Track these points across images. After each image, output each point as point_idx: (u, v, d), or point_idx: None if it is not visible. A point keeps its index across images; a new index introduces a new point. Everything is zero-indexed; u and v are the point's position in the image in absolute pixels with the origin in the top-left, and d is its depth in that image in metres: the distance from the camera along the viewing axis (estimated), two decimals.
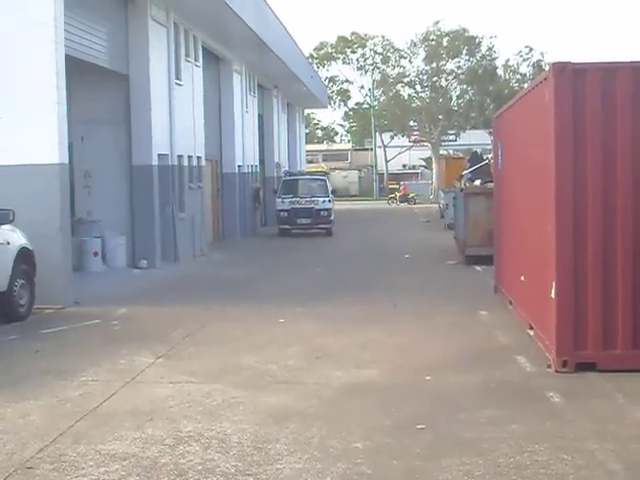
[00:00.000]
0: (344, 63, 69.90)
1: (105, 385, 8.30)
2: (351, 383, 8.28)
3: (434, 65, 63.59)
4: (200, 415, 7.18)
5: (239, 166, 28.83)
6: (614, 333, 8.39)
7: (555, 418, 6.96)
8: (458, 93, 66.68)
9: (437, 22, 63.48)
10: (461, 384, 8.18)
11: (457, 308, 12.77)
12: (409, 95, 67.63)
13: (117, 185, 18.88)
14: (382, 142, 71.68)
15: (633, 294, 8.37)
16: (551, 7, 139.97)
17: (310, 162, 62.81)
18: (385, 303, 13.52)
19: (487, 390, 7.96)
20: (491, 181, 17.16)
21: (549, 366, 8.63)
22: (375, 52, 68.55)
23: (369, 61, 69.01)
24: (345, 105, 76.37)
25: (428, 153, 69.32)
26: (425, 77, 65.21)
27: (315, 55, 68.32)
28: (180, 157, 21.21)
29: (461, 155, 51.18)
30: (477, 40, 62.79)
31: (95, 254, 17.96)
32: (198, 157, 22.87)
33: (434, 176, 60.95)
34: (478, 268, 17.90)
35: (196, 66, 23.08)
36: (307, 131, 68.29)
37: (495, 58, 63.76)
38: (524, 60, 64.79)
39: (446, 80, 64.80)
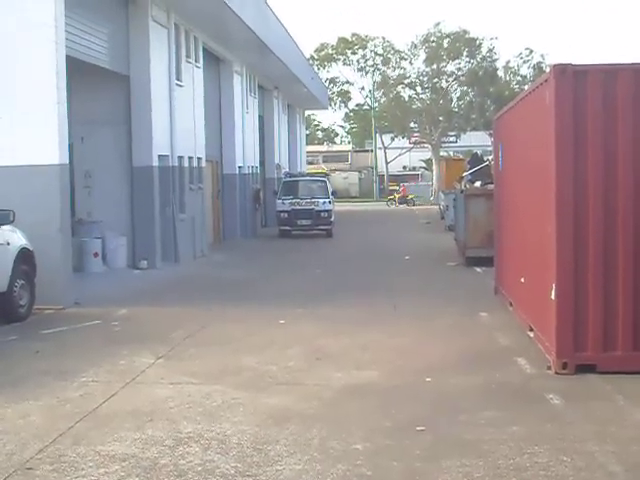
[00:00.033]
0: (345, 64, 70.13)
1: (105, 386, 8.29)
2: (351, 384, 8.28)
3: (435, 66, 63.61)
4: (200, 416, 7.17)
5: (239, 167, 28.82)
6: (614, 335, 8.38)
7: (555, 420, 6.96)
8: (458, 95, 66.76)
9: (438, 24, 63.65)
10: (461, 386, 8.18)
11: (457, 310, 12.76)
12: (409, 96, 67.72)
13: (117, 186, 18.87)
14: (382, 143, 71.71)
15: (634, 296, 8.36)
16: (551, 9, 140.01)
17: (310, 163, 62.89)
18: (385, 305, 13.51)
19: (487, 392, 7.95)
20: (491, 183, 17.14)
21: (549, 368, 8.63)
22: (376, 53, 68.67)
23: (370, 62, 69.17)
24: (345, 106, 76.62)
25: (428, 155, 69.38)
26: (426, 78, 65.22)
27: (316, 56, 68.39)
28: (180, 158, 21.22)
29: (461, 157, 51.32)
30: (478, 42, 62.81)
31: (95, 255, 17.97)
32: (198, 158, 22.87)
33: (434, 178, 61.01)
34: (478, 270, 17.90)
35: (197, 67, 23.09)
36: (307, 132, 68.27)
37: (496, 60, 63.89)
38: (524, 62, 64.93)
39: (447, 82, 64.83)
